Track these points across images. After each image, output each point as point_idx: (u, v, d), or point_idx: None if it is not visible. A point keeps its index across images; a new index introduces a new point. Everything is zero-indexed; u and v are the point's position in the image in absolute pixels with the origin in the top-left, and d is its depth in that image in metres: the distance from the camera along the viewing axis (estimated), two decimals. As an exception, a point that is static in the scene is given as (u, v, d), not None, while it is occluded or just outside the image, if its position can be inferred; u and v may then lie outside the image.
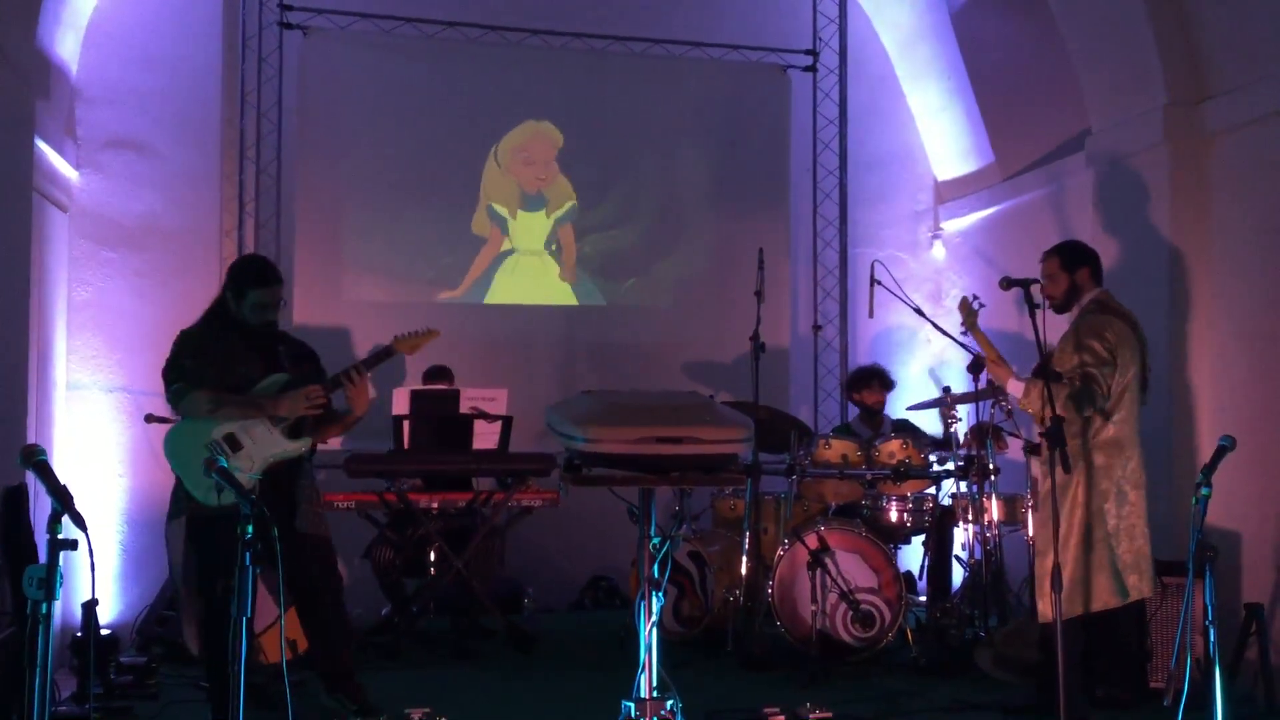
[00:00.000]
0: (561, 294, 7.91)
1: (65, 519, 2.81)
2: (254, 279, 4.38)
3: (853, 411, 7.34)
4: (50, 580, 2.73)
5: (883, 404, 6.99)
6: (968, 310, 5.03)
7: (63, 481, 2.89)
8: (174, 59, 7.19)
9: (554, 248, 7.90)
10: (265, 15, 7.29)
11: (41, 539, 3.38)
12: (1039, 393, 4.48)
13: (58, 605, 2.80)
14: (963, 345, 6.16)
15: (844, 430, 7.01)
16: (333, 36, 7.44)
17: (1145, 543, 4.66)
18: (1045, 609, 4.66)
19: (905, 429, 6.57)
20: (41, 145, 6.02)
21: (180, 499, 4.29)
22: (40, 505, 5.33)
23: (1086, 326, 4.70)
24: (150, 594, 6.42)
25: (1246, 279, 5.62)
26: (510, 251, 7.82)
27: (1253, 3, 5.49)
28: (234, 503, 4.12)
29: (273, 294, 4.38)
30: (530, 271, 7.86)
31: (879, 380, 6.96)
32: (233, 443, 4.26)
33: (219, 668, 3.99)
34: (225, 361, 4.33)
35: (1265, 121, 5.50)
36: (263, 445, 4.30)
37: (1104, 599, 4.60)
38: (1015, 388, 4.77)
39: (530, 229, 7.88)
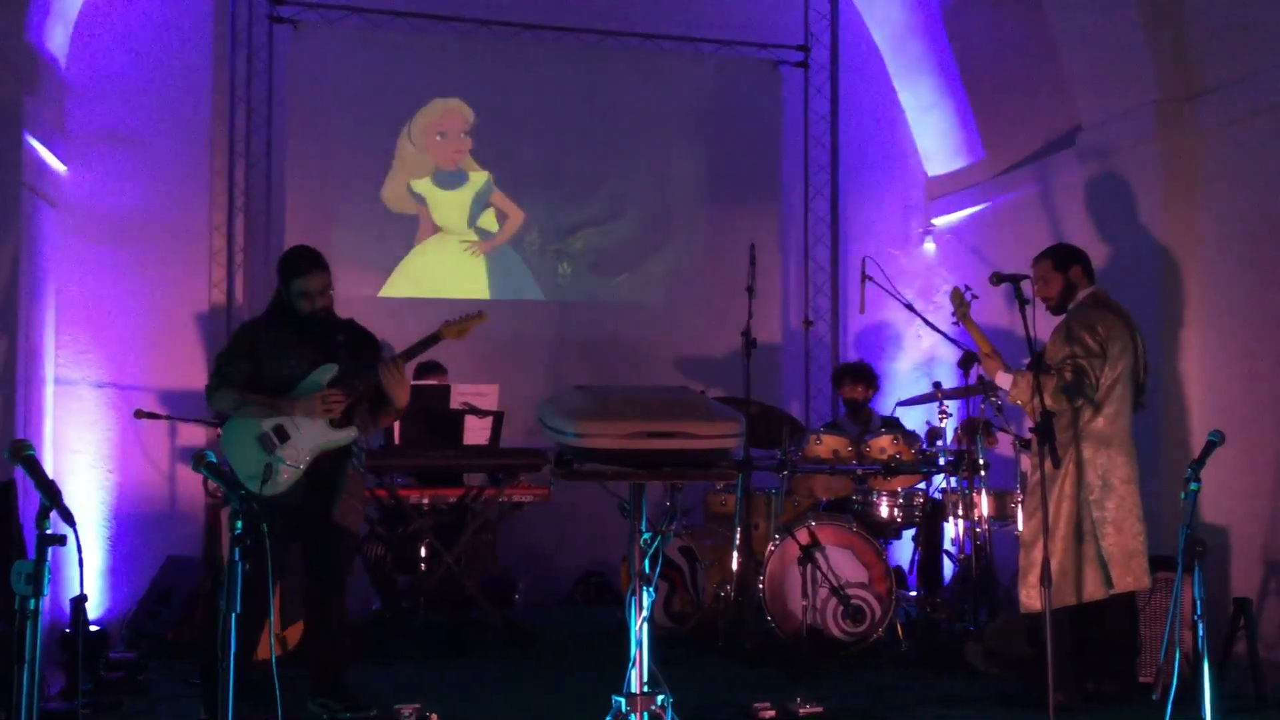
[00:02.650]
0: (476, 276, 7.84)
1: (54, 514, 2.80)
2: (294, 269, 4.46)
3: (843, 408, 7.34)
4: (39, 576, 2.71)
5: (865, 399, 6.99)
6: (960, 301, 5.02)
7: (51, 477, 2.88)
8: (164, 53, 7.17)
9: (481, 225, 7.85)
10: (255, 10, 7.27)
11: (30, 534, 3.37)
12: (1028, 384, 4.52)
13: (46, 601, 2.79)
14: (953, 341, 6.17)
15: (833, 427, 7.01)
16: (323, 31, 7.42)
17: (1134, 537, 4.68)
18: (1027, 599, 4.70)
19: (893, 427, 6.57)
20: (30, 140, 6.00)
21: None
22: (29, 501, 5.31)
23: (1078, 319, 4.74)
24: (139, 590, 6.39)
25: (1236, 274, 5.64)
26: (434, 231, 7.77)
27: (1242, -1, 5.51)
28: (281, 493, 4.21)
29: (314, 282, 4.44)
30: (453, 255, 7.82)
31: (849, 375, 6.99)
32: (281, 434, 4.36)
33: (212, 663, 4.00)
34: (275, 355, 4.42)
35: (1254, 117, 5.52)
36: (309, 436, 4.37)
37: (1091, 590, 4.65)
38: (1004, 380, 4.81)
39: (451, 207, 7.81)
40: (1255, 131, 5.53)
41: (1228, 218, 5.71)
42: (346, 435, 4.45)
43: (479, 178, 7.82)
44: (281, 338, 4.46)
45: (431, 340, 4.60)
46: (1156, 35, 5.87)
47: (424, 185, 7.73)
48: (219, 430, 4.79)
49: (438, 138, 7.76)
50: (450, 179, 7.78)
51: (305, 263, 4.46)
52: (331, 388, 4.39)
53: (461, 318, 4.70)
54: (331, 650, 4.52)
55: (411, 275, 7.67)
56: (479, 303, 7.68)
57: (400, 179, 7.67)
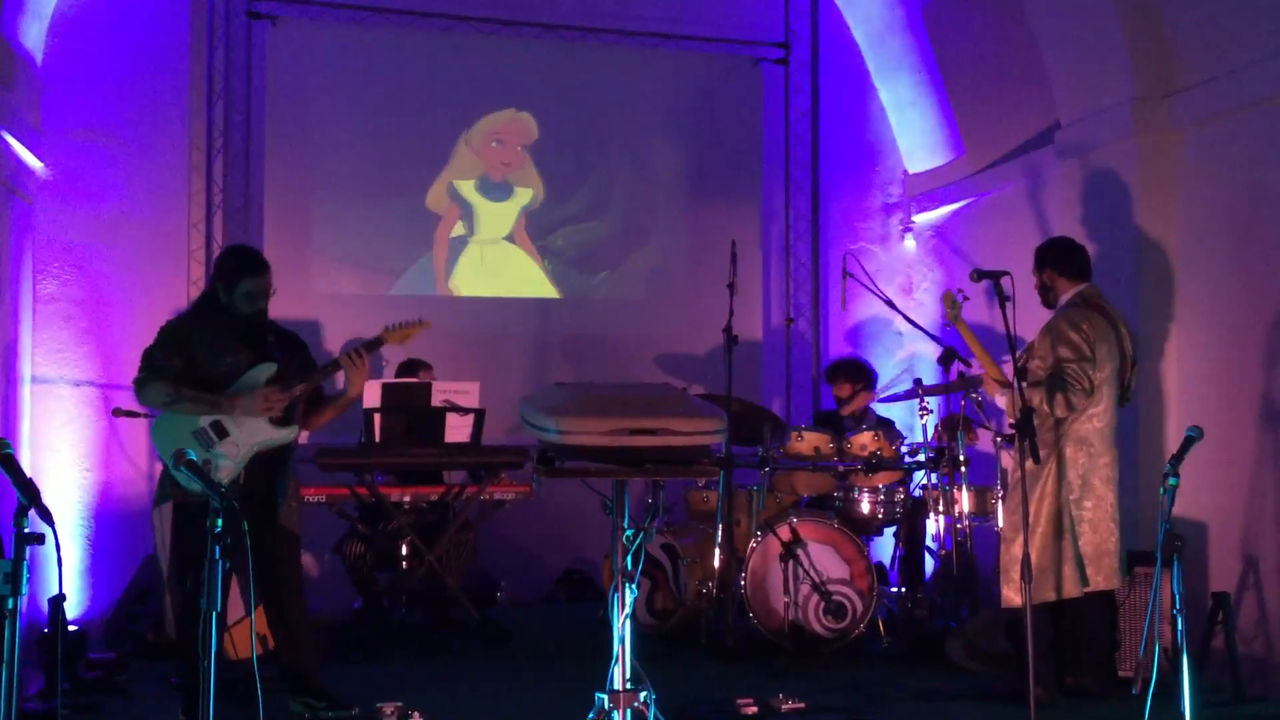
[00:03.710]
0: (533, 284, 7.88)
1: (32, 513, 2.78)
2: (245, 268, 4.38)
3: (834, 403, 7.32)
4: (16, 575, 2.69)
5: (849, 396, 6.95)
6: (952, 304, 4.91)
7: (29, 475, 2.86)
8: (140, 49, 7.12)
9: (516, 237, 7.89)
10: (234, 4, 7.23)
11: (8, 534, 3.34)
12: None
13: (24, 601, 2.77)
14: (934, 338, 6.19)
15: (828, 416, 7.00)
16: (302, 26, 7.39)
17: (1108, 538, 4.72)
18: (1009, 595, 4.72)
19: (884, 426, 6.57)
20: (5, 135, 5.95)
21: (165, 485, 4.28)
22: (6, 500, 5.27)
23: (1065, 320, 4.77)
24: (118, 590, 6.35)
25: (1213, 271, 5.68)
26: (468, 238, 7.79)
27: (1220, -3, 5.54)
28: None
29: (264, 282, 4.38)
30: (493, 260, 7.84)
31: (843, 373, 6.96)
32: (219, 430, 4.27)
33: (191, 662, 3.97)
34: (212, 352, 4.33)
35: (1232, 115, 5.55)
36: (249, 433, 4.30)
37: (1069, 588, 4.70)
38: (1003, 402, 4.86)
39: (494, 217, 7.84)
40: (1232, 129, 5.57)
41: (1205, 215, 5.75)
42: (288, 434, 4.39)
43: (524, 194, 7.87)
44: (218, 334, 4.36)
45: (375, 344, 4.58)
46: (1135, 32, 5.90)
47: (468, 188, 7.78)
48: None
49: (494, 144, 7.78)
50: (497, 189, 7.82)
51: (259, 263, 4.40)
52: (271, 386, 4.33)
53: (402, 324, 4.68)
54: (298, 652, 4.48)
55: (397, 271, 7.67)
56: (452, 300, 7.67)
57: (443, 179, 7.72)
